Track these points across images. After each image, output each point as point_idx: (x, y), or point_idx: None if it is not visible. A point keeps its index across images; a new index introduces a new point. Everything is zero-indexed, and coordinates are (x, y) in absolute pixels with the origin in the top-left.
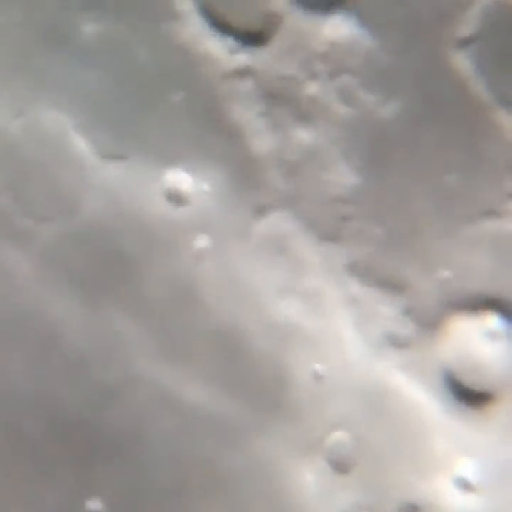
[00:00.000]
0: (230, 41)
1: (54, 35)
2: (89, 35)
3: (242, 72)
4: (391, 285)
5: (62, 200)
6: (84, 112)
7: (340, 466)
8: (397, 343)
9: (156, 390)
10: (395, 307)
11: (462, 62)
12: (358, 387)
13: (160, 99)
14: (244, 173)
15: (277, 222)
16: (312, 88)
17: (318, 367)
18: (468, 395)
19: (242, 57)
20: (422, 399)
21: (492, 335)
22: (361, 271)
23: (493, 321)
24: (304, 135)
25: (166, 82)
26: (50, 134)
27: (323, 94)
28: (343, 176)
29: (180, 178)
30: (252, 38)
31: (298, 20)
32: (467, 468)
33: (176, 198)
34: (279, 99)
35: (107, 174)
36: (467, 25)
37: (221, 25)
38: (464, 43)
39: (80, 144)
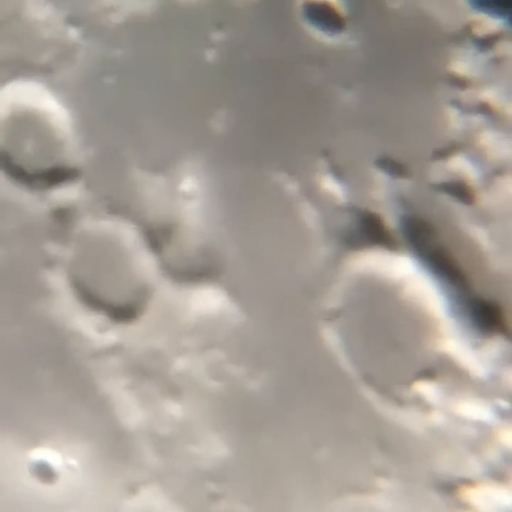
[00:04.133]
0: (100, 317)
1: None
2: None
3: (112, 349)
4: None
5: None
6: None
7: None
8: None
9: None
10: None
11: (329, 336)
12: None
13: (29, 376)
14: (114, 448)
15: (148, 499)
16: (181, 363)
17: None
18: None
19: (112, 333)
20: None
21: None
22: None
23: None
24: (173, 409)
25: (36, 359)
26: None
27: (192, 369)
28: (213, 450)
29: (48, 455)
30: (122, 312)
31: (167, 294)
32: None
33: (44, 474)
34: (149, 374)
35: None
36: (333, 299)
37: (91, 301)
38: (331, 316)
39: None
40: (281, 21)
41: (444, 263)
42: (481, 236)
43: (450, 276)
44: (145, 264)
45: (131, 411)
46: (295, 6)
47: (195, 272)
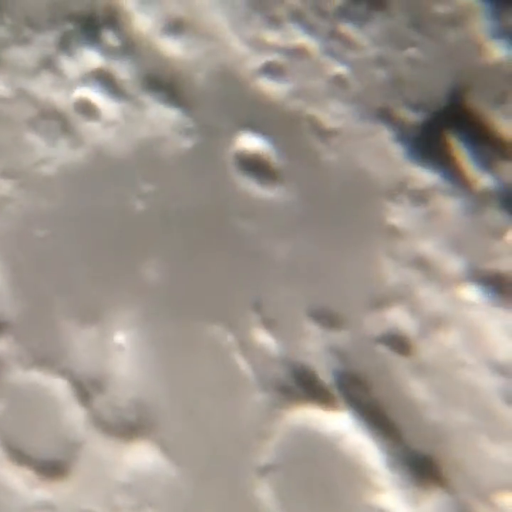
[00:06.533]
0: (29, 472)
1: None
2: None
3: (41, 508)
4: None
5: None
6: None
7: None
8: None
9: None
10: None
11: (263, 493)
12: None
13: None
14: None
15: None
16: None
17: None
18: None
19: (42, 490)
20: None
21: None
22: None
23: None
24: None
25: None
26: None
27: None
28: None
29: None
30: (52, 468)
31: (98, 449)
32: None
33: None
34: None
35: None
36: (267, 454)
37: (20, 456)
38: (265, 472)
39: None
40: (212, 172)
41: (379, 417)
42: (417, 389)
43: (386, 430)
44: (75, 417)
45: None
46: (226, 157)
47: (127, 425)
